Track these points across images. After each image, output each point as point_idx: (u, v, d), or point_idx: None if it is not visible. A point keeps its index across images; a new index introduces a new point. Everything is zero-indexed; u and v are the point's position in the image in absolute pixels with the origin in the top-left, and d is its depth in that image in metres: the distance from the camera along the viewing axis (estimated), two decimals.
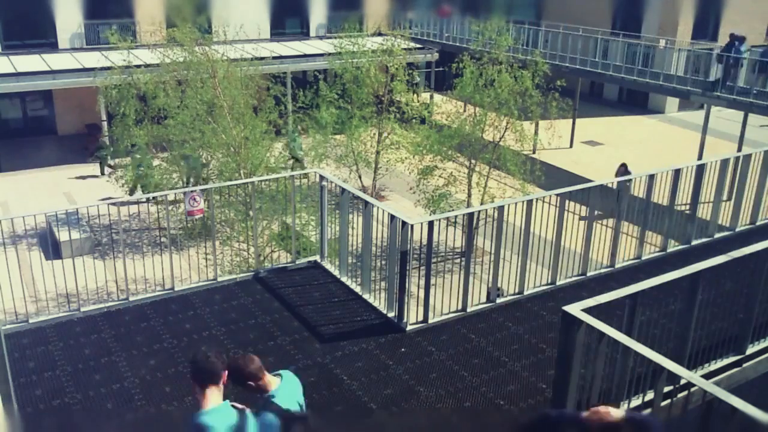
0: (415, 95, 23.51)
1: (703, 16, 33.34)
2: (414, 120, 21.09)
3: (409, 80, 21.90)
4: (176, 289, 8.42)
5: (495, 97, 18.77)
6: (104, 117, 24.01)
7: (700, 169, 9.47)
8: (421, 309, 7.88)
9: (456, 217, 9.29)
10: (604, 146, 28.55)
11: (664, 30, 30.01)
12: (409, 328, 7.69)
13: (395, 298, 7.79)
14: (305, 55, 28.65)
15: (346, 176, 21.49)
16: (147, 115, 19.01)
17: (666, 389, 5.32)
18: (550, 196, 8.76)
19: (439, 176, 19.35)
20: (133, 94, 19.26)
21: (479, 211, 9.69)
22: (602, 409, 4.02)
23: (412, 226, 7.40)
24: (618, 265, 9.06)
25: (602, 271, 9.02)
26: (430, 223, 7.53)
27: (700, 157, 23.14)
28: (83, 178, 23.95)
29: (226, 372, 4.19)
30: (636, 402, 5.90)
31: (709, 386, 4.58)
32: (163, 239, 16.43)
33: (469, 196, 19.64)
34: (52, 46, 28.18)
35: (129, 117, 18.95)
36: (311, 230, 13.52)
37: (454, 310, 8.03)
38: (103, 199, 21.90)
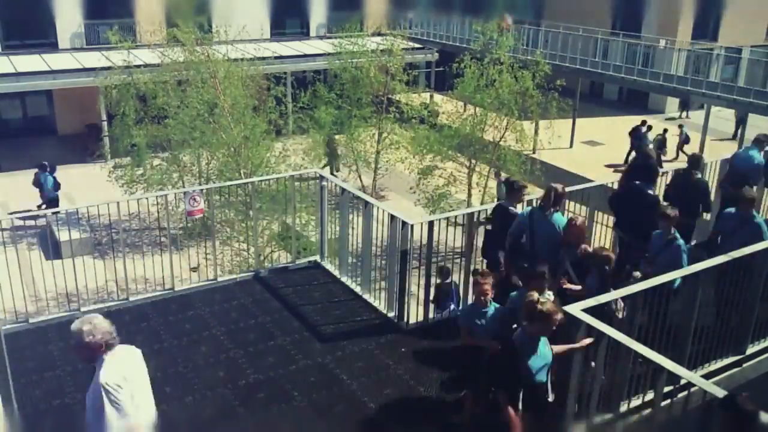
0: (418, 95, 23.50)
1: (703, 16, 33.29)
2: (414, 120, 21.08)
3: (409, 80, 21.89)
4: (176, 289, 8.42)
5: (496, 97, 18.75)
6: (104, 117, 23.97)
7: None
8: (421, 309, 7.88)
9: (456, 216, 9.28)
10: (604, 146, 28.51)
11: (663, 30, 30.01)
12: (409, 328, 7.69)
13: (395, 298, 7.79)
14: (305, 55, 28.62)
15: (345, 176, 21.48)
16: (147, 115, 18.98)
17: (666, 389, 5.32)
18: None
19: (439, 176, 19.33)
20: (133, 94, 19.23)
21: (479, 211, 9.67)
22: None
23: (412, 226, 7.40)
24: None
25: None
26: (430, 223, 7.53)
27: None
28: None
29: None
30: (636, 402, 5.90)
31: (709, 386, 4.58)
32: (163, 239, 16.41)
33: (470, 195, 19.63)
34: (53, 46, 28.12)
35: (129, 117, 18.92)
36: (311, 230, 13.50)
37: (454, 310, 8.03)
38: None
